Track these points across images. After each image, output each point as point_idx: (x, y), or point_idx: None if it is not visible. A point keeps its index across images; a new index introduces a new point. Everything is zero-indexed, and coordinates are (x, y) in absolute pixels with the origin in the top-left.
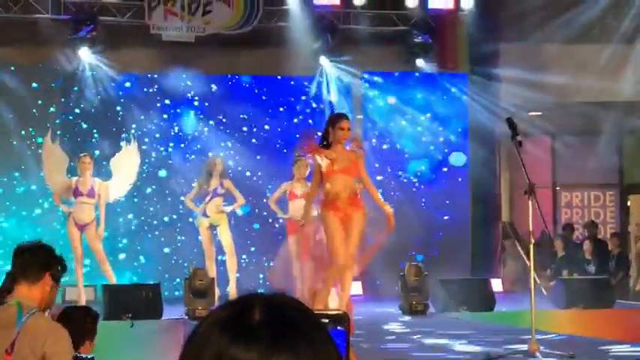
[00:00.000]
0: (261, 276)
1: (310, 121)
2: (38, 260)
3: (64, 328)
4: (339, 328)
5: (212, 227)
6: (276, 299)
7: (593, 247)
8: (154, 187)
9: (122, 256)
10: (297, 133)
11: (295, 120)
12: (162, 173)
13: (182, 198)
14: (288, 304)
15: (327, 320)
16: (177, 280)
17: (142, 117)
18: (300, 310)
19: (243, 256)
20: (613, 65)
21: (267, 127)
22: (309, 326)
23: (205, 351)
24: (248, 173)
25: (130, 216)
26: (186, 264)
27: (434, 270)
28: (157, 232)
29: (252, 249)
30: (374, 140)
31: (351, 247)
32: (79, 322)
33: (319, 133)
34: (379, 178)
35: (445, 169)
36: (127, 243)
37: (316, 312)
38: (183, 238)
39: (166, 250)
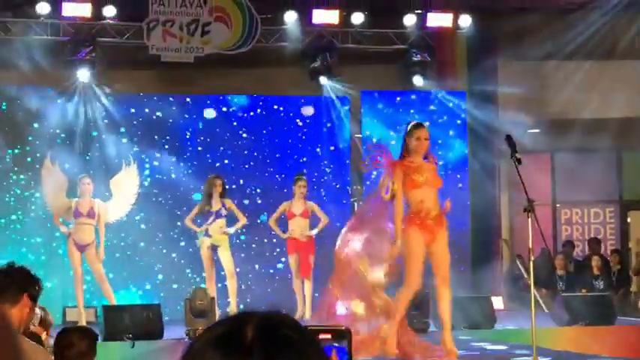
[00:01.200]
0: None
1: (303, 137)
2: (15, 282)
3: (45, 350)
4: (337, 344)
5: (213, 247)
6: (270, 317)
7: (601, 263)
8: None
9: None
10: (294, 153)
11: (290, 140)
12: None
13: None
14: (283, 322)
15: (329, 336)
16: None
17: (141, 137)
18: (294, 327)
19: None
20: (612, 82)
21: (266, 145)
22: (302, 344)
23: None
24: (246, 188)
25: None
26: (184, 285)
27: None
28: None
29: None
30: None
31: (443, 269)
32: (77, 344)
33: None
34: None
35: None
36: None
37: (319, 327)
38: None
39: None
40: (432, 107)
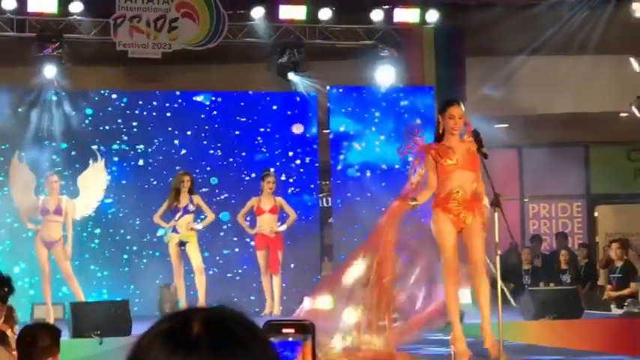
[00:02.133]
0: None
1: (277, 135)
2: None
3: (7, 351)
4: (291, 339)
5: (181, 243)
6: (217, 312)
7: (568, 257)
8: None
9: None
10: (262, 147)
11: (258, 137)
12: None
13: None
14: (229, 317)
15: (292, 330)
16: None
17: (109, 134)
18: (241, 322)
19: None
20: (579, 77)
21: (233, 141)
22: (248, 338)
23: None
24: (214, 185)
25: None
26: (157, 281)
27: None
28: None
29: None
30: (341, 157)
31: (477, 254)
32: (39, 340)
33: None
34: (349, 194)
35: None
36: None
37: (282, 321)
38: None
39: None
40: (399, 102)
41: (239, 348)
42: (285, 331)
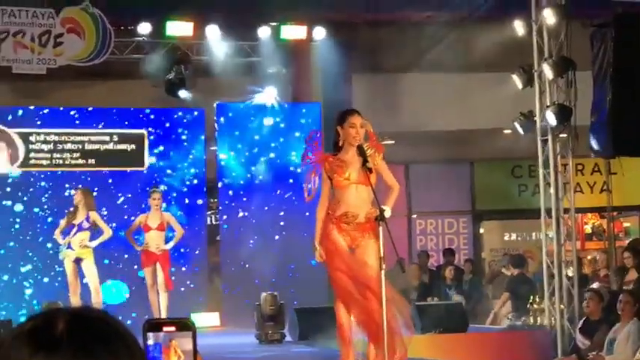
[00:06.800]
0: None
1: (157, 152)
2: None
3: None
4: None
5: (78, 260)
6: (82, 312)
7: (454, 273)
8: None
9: None
10: (149, 167)
11: (145, 154)
12: (19, 207)
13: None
14: (94, 317)
15: (173, 328)
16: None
17: None
18: (106, 321)
19: None
20: (463, 94)
21: (117, 159)
22: (114, 337)
23: None
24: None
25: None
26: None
27: (292, 299)
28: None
29: None
30: (227, 172)
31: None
32: None
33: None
34: (239, 208)
35: (295, 199)
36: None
37: (163, 320)
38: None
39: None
40: (287, 119)
41: (103, 346)
42: (166, 329)
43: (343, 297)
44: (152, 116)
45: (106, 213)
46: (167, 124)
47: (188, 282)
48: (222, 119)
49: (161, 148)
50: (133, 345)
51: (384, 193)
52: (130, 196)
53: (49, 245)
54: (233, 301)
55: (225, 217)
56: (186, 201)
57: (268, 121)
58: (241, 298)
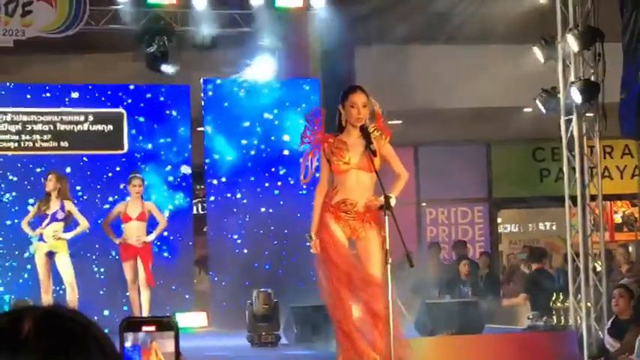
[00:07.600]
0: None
1: (136, 132)
2: None
3: None
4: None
5: (51, 254)
6: (51, 311)
7: (469, 268)
8: None
9: None
10: (130, 148)
11: (124, 134)
12: None
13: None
14: (64, 315)
15: (153, 327)
16: None
17: None
18: (76, 320)
19: None
20: (479, 69)
21: (95, 140)
22: (85, 336)
23: None
24: (78, 188)
25: None
26: (13, 296)
27: (287, 297)
28: None
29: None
30: (216, 155)
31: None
32: None
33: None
34: (228, 195)
35: (292, 182)
36: None
37: (142, 319)
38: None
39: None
40: (282, 95)
41: (73, 346)
42: (145, 328)
43: (329, 293)
44: (132, 94)
45: (80, 201)
46: (149, 103)
47: (172, 277)
48: (209, 95)
49: (142, 128)
50: (106, 343)
51: (389, 180)
52: (106, 181)
53: (13, 236)
54: (222, 299)
55: (213, 205)
56: (170, 188)
57: (261, 100)
58: (231, 296)
